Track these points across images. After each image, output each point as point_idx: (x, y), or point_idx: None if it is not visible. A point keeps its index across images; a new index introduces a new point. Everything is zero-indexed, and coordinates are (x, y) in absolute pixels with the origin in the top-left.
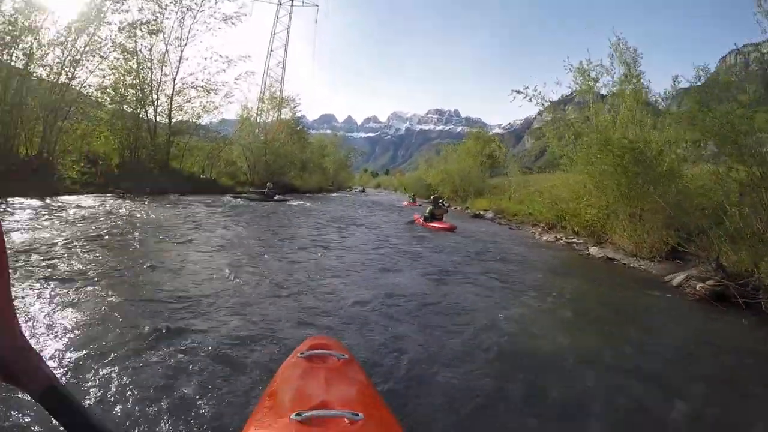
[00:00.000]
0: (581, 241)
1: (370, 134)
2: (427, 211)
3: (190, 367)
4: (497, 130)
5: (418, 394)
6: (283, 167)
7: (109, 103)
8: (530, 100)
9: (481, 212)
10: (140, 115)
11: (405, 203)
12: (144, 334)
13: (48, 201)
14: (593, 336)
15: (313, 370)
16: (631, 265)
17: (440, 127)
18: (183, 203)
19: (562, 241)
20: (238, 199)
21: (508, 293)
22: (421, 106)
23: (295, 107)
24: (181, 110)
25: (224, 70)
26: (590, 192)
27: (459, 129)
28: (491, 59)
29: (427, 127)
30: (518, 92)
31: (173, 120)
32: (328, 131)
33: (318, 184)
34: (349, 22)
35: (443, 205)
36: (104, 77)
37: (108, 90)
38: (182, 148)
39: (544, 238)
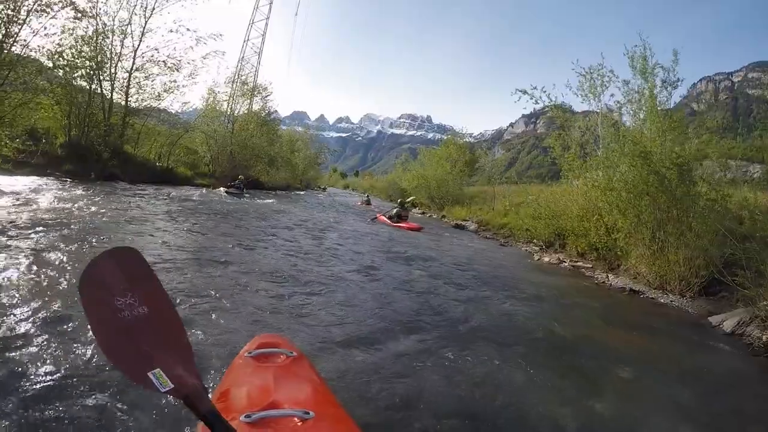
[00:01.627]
0: (589, 265)
1: (342, 134)
2: (394, 211)
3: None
4: (468, 139)
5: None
6: (249, 160)
7: (60, 71)
8: (536, 102)
9: (461, 222)
10: (93, 90)
11: (359, 203)
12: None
13: None
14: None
15: (261, 370)
16: (660, 300)
17: (412, 132)
18: (133, 193)
19: (566, 264)
20: (221, 191)
21: (532, 345)
22: (394, 110)
23: (266, 96)
24: (141, 89)
25: (192, 48)
26: (600, 211)
27: (431, 135)
28: (466, 69)
29: (398, 131)
30: (524, 92)
31: (130, 99)
32: (299, 128)
33: (286, 181)
34: (326, 20)
35: (408, 207)
36: (52, 41)
37: (56, 56)
38: (138, 130)
39: (546, 259)
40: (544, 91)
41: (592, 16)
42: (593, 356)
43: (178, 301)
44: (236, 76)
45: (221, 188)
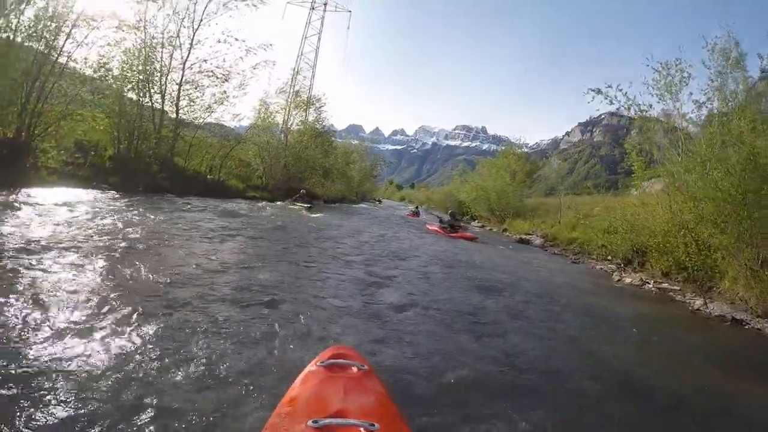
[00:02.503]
0: (677, 287)
1: (397, 146)
2: (446, 222)
3: (213, 371)
4: (524, 149)
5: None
6: (303, 172)
7: (106, 81)
8: (611, 102)
9: (525, 237)
10: (144, 103)
11: (407, 213)
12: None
13: (10, 196)
14: None
15: (332, 379)
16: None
17: (467, 144)
18: (186, 206)
19: (650, 286)
20: (295, 206)
21: (637, 403)
22: (449, 121)
23: (320, 107)
24: (191, 101)
25: (242, 58)
26: (687, 224)
27: (485, 146)
28: (520, 78)
29: (453, 143)
30: (598, 92)
31: (181, 111)
32: (355, 141)
33: (341, 193)
34: (380, 31)
35: (459, 218)
36: (98, 53)
37: (103, 69)
38: (189, 142)
39: (627, 280)
40: (620, 89)
41: (643, 28)
42: (717, 421)
43: (250, 309)
44: (290, 89)
45: (302, 209)
